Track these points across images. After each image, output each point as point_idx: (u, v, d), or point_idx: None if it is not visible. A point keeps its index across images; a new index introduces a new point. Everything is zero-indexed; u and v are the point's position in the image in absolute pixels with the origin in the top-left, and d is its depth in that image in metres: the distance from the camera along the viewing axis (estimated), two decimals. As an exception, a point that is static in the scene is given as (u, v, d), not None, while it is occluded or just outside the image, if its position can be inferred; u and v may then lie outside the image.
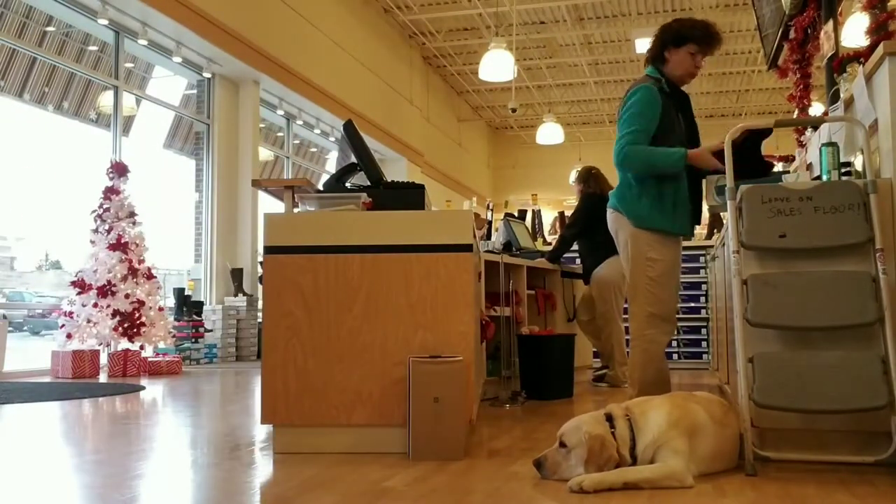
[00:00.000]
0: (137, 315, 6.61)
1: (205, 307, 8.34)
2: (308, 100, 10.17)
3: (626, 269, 3.38)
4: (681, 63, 3.28)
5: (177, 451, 2.93)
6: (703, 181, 3.48)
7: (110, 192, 6.80)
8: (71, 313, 6.53)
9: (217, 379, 6.23)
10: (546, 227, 8.91)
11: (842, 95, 3.22)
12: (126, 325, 6.53)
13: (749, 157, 2.94)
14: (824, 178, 2.75)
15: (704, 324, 7.12)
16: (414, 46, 13.81)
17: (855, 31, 4.12)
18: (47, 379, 6.22)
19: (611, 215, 3.45)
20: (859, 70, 2.92)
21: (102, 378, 6.32)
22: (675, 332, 3.41)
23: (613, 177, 5.96)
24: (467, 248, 2.89)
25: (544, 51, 13.69)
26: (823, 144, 2.80)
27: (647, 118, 3.18)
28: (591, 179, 5.77)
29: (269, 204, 5.46)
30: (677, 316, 3.43)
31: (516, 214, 6.89)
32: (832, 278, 2.52)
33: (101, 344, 6.60)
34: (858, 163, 2.80)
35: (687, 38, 3.25)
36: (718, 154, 3.01)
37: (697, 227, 3.51)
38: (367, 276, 2.87)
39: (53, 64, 7.50)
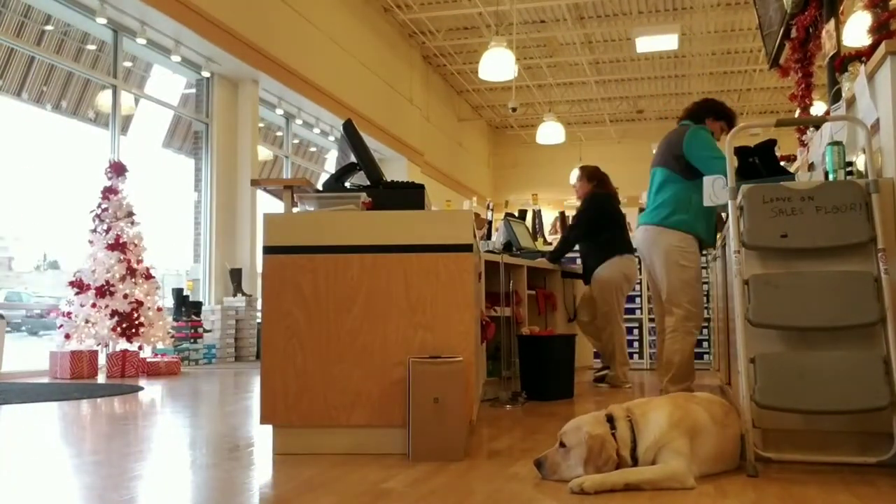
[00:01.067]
0: (136, 315, 6.60)
1: (203, 307, 8.33)
2: (307, 99, 10.16)
3: (691, 278, 4.20)
4: (712, 131, 4.29)
5: (176, 451, 2.91)
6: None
7: (109, 192, 6.79)
8: (69, 314, 6.52)
9: (216, 379, 6.22)
10: (546, 227, 8.89)
11: (843, 94, 3.21)
12: (124, 326, 6.51)
13: (767, 163, 3.02)
14: (831, 177, 2.74)
15: (705, 324, 7.10)
16: (414, 45, 13.80)
17: (857, 29, 4.10)
18: (45, 379, 6.20)
19: (649, 230, 4.30)
20: (861, 69, 2.91)
21: (101, 378, 6.31)
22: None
23: (614, 177, 5.96)
24: (467, 248, 2.88)
25: (545, 50, 13.68)
26: (829, 144, 2.79)
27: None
28: (603, 179, 5.70)
29: (269, 204, 5.44)
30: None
31: (516, 214, 6.87)
32: (834, 278, 2.51)
33: (99, 344, 6.58)
34: (860, 162, 2.79)
35: (722, 116, 4.34)
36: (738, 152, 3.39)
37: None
38: (366, 276, 2.86)
39: (52, 63, 7.48)
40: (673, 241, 4.16)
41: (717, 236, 4.42)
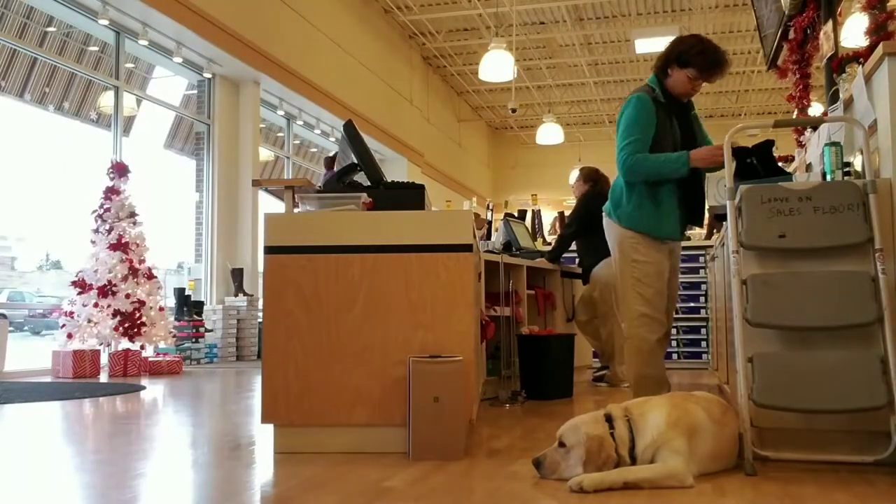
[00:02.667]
0: (138, 315, 6.62)
1: (205, 307, 8.35)
2: (308, 100, 10.18)
3: (616, 271, 3.55)
4: (679, 82, 3.42)
5: (177, 450, 2.93)
6: (705, 180, 3.51)
7: (111, 192, 6.81)
8: (72, 313, 6.54)
9: (217, 379, 6.24)
10: (546, 228, 8.91)
11: (841, 96, 3.23)
12: (127, 325, 6.53)
13: (765, 164, 3.03)
14: (828, 177, 2.76)
15: (704, 324, 7.12)
16: (414, 47, 13.82)
17: (854, 31, 4.12)
18: (48, 379, 6.22)
19: (604, 220, 3.62)
20: (858, 70, 2.92)
21: (103, 378, 6.33)
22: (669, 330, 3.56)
23: (613, 177, 5.97)
24: (467, 248, 2.90)
25: (544, 51, 13.70)
26: (827, 144, 2.80)
27: (643, 126, 3.33)
28: (600, 180, 5.79)
29: (270, 204, 5.46)
30: (677, 316, 3.53)
31: (516, 214, 6.89)
32: (832, 278, 2.52)
33: (101, 344, 6.60)
34: (858, 163, 2.80)
35: (689, 62, 3.35)
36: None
37: (698, 227, 3.60)
38: (367, 276, 2.88)
39: (54, 64, 7.50)
40: (622, 236, 3.47)
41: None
